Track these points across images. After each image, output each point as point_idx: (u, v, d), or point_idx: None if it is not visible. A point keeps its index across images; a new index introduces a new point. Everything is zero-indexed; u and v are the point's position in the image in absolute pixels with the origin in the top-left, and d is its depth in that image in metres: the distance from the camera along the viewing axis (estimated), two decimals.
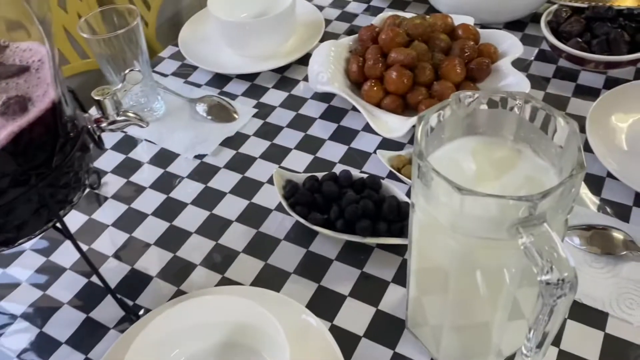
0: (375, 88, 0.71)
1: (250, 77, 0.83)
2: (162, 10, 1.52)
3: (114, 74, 0.72)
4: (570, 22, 0.78)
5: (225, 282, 0.58)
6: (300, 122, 0.75)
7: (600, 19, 0.77)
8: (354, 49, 0.77)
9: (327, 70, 0.72)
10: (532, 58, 0.81)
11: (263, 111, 0.77)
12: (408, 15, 0.80)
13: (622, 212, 0.60)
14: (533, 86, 0.76)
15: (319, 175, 0.63)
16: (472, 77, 0.71)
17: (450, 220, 0.37)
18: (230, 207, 0.65)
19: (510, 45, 0.74)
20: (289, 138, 0.73)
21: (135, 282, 0.58)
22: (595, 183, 0.63)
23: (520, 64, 0.79)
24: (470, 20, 0.78)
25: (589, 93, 0.74)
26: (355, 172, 0.63)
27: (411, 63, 0.69)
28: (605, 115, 0.68)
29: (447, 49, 0.73)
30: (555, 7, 0.83)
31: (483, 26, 0.87)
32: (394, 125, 0.67)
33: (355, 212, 0.57)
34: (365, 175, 0.62)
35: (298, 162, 0.69)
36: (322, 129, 0.74)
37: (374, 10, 0.94)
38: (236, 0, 0.88)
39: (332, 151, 0.70)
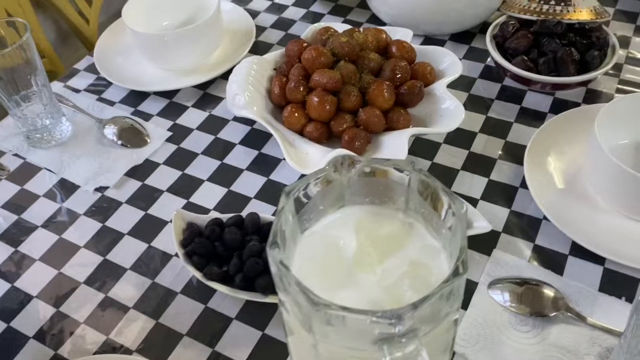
0: (296, 114, 0.64)
1: (169, 93, 0.76)
2: (108, 5, 1.43)
3: (4, 98, 0.64)
4: (517, 37, 0.71)
5: (109, 346, 0.51)
6: (218, 148, 0.68)
7: (549, 34, 0.70)
8: (279, 67, 0.70)
9: (244, 92, 0.65)
10: (477, 76, 0.74)
11: (178, 135, 0.70)
12: (342, 27, 0.73)
13: (557, 262, 0.54)
14: (474, 109, 0.69)
15: (226, 217, 0.56)
16: (403, 102, 0.64)
17: (313, 328, 0.31)
18: (126, 251, 0.58)
19: (449, 64, 0.68)
20: (203, 167, 0.66)
21: (9, 345, 0.52)
22: (531, 226, 0.57)
23: (464, 82, 0.73)
24: (408, 35, 0.71)
25: (534, 117, 0.68)
26: (267, 214, 0.56)
27: (335, 87, 0.62)
28: (545, 147, 0.62)
29: (378, 70, 0.66)
30: (502, 18, 0.76)
31: (428, 37, 0.80)
32: (314, 157, 0.60)
33: (256, 267, 0.50)
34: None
35: (209, 197, 0.62)
36: (240, 157, 0.67)
37: (313, 17, 0.86)
38: (157, 7, 0.81)
39: (249, 184, 0.64)
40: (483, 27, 0.80)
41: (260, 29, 0.85)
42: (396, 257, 0.34)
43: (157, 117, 0.72)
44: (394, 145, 0.60)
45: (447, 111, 0.63)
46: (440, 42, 0.79)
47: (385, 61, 0.66)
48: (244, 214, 0.56)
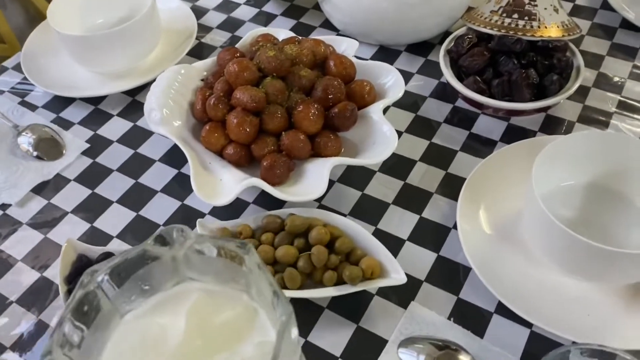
0: (215, 133, 0.58)
1: (96, 99, 0.70)
2: None
3: None
4: (473, 53, 0.64)
5: None
6: (135, 165, 0.62)
7: (507, 52, 0.64)
8: (207, 78, 0.64)
9: (161, 107, 0.59)
10: (429, 94, 0.68)
11: (96, 147, 0.65)
12: (286, 34, 0.67)
13: (479, 321, 0.48)
14: (419, 132, 0.63)
15: (124, 249, 0.51)
16: (333, 125, 0.58)
17: None
18: (15, 282, 0.53)
19: (392, 83, 0.61)
20: (114, 186, 0.60)
21: None
22: (458, 276, 0.51)
23: (412, 101, 0.66)
24: (353, 46, 0.65)
25: (483, 144, 0.61)
26: None
27: (257, 107, 0.56)
28: (485, 183, 0.56)
29: (311, 88, 0.60)
30: (461, 31, 0.69)
31: (383, 47, 0.73)
32: (227, 186, 0.54)
33: None
34: None
35: (115, 221, 0.57)
36: (157, 176, 0.61)
37: (265, 18, 0.80)
38: (88, 4, 0.75)
39: (161, 208, 0.58)
40: (444, 38, 0.74)
41: (205, 30, 0.79)
42: (227, 355, 0.28)
43: (78, 125, 0.67)
44: (316, 174, 0.55)
45: (382, 137, 0.56)
46: (394, 54, 0.73)
47: (318, 78, 0.60)
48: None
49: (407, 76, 0.70)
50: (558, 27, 0.65)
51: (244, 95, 0.57)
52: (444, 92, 0.67)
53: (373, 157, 0.55)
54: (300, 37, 0.65)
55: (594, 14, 0.76)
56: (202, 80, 0.64)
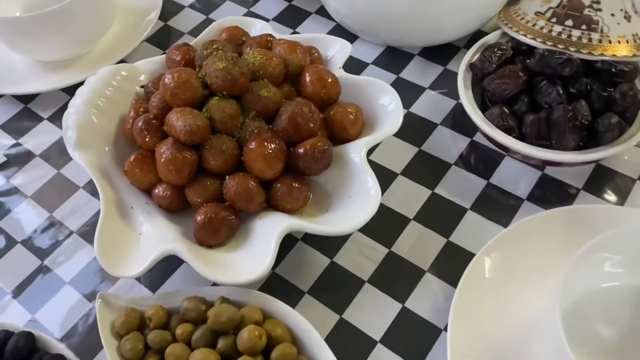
0: (143, 167, 0.44)
1: (28, 97, 0.57)
2: None
3: None
4: (504, 73, 0.47)
5: None
6: (53, 192, 0.49)
7: (551, 75, 0.47)
8: (148, 85, 0.49)
9: (78, 126, 0.45)
10: (441, 120, 0.51)
11: (15, 162, 0.51)
12: (259, 27, 0.52)
13: None
14: (419, 177, 0.47)
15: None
16: (298, 168, 0.43)
17: None
18: None
19: (388, 112, 0.45)
20: (22, 223, 0.47)
21: None
22: None
23: (418, 129, 0.50)
24: (343, 51, 0.49)
25: (504, 203, 0.45)
26: (57, 332, 0.38)
27: (195, 139, 0.42)
28: (497, 272, 0.40)
29: (275, 112, 0.45)
30: (493, 36, 0.52)
31: (390, 48, 0.57)
32: (145, 244, 0.41)
33: None
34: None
35: (6, 279, 0.45)
36: (78, 209, 0.48)
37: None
38: None
39: (74, 260, 0.45)
40: (471, 41, 0.57)
41: (174, 8, 0.64)
42: None
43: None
44: (263, 240, 0.40)
45: (361, 193, 0.41)
46: (404, 58, 0.56)
47: (285, 102, 0.45)
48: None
49: (416, 91, 0.53)
50: (629, 41, 0.47)
51: (178, 122, 0.42)
52: (463, 120, 0.50)
53: (343, 221, 0.40)
54: (274, 36, 0.49)
55: None
56: (141, 87, 0.50)
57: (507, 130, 0.46)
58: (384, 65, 0.56)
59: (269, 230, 0.40)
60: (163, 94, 0.44)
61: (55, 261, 0.45)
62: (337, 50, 0.50)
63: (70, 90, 0.56)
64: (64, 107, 0.55)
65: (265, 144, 0.41)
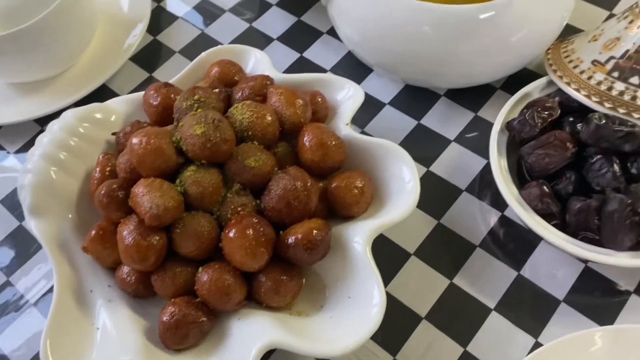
0: (107, 243, 0.37)
1: None
2: None
3: None
4: (548, 141, 0.38)
5: None
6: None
7: (607, 150, 0.38)
8: (120, 134, 0.41)
9: (33, 187, 0.38)
10: (466, 186, 0.43)
11: None
12: (258, 57, 0.43)
13: None
14: (439, 263, 0.39)
15: None
16: (288, 258, 0.36)
17: None
18: None
19: (404, 185, 0.37)
20: None
21: None
22: None
23: (441, 198, 0.42)
24: (354, 100, 0.40)
25: (540, 305, 0.37)
26: None
27: (163, 221, 0.35)
28: None
29: (265, 183, 0.37)
30: (538, 86, 0.42)
31: (409, 86, 0.48)
32: (103, 341, 0.34)
33: None
34: None
35: None
36: (32, 281, 0.42)
37: (254, 8, 0.55)
38: None
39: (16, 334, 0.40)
40: (512, 80, 0.47)
41: (168, 19, 0.55)
42: None
43: None
44: (240, 351, 0.33)
45: (362, 296, 0.34)
46: (428, 99, 0.47)
47: (276, 173, 0.37)
48: None
49: (439, 144, 0.45)
50: None
51: (144, 200, 0.35)
52: (493, 187, 0.41)
53: (337, 335, 0.33)
54: (272, 79, 0.41)
55: None
56: (113, 134, 0.42)
57: (547, 217, 0.37)
58: (404, 106, 0.47)
59: (247, 341, 0.33)
60: (130, 158, 0.36)
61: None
62: (347, 97, 0.42)
63: (43, 120, 0.49)
64: (35, 138, 0.48)
65: (248, 232, 0.34)
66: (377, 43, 0.44)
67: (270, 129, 0.37)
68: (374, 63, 0.47)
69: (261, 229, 0.34)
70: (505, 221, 0.41)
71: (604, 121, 0.37)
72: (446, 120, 0.46)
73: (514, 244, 0.40)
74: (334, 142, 0.38)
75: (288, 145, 0.39)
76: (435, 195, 0.42)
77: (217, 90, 0.40)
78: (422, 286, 0.39)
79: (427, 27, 0.41)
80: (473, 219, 0.41)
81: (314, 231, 0.34)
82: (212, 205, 0.36)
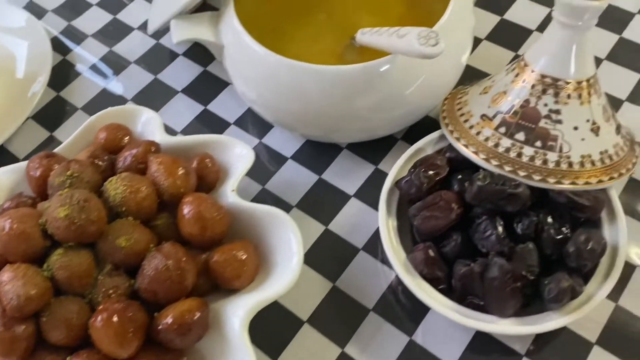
0: None
1: None
2: None
3: None
4: (435, 201, 0.37)
5: None
6: None
7: (491, 211, 0.37)
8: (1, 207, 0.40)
9: None
10: (363, 245, 0.42)
11: None
12: (146, 116, 0.42)
13: None
14: (333, 333, 0.38)
15: None
16: (160, 341, 0.34)
17: None
18: None
19: (289, 253, 0.36)
20: None
21: None
22: None
23: (342, 255, 0.41)
24: (246, 161, 0.39)
25: None
26: None
27: (27, 312, 0.33)
28: None
29: (139, 262, 0.36)
30: (431, 141, 0.42)
31: (310, 140, 0.47)
32: None
33: None
34: None
35: None
36: None
37: (163, 56, 0.54)
38: None
39: None
40: (413, 130, 0.46)
41: (73, 73, 0.54)
42: None
43: None
44: None
45: None
46: (329, 153, 0.46)
47: (150, 251, 0.35)
48: None
49: (340, 199, 0.44)
50: (594, 163, 0.37)
51: (7, 288, 0.33)
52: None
53: None
54: (158, 145, 0.40)
55: None
56: None
57: (433, 281, 0.36)
58: (306, 160, 0.46)
59: None
60: None
61: None
62: (238, 159, 0.41)
63: None
64: None
65: (114, 319, 0.32)
66: (272, 102, 0.43)
67: (146, 203, 0.36)
68: (272, 121, 0.46)
69: (129, 315, 0.33)
70: (399, 283, 0.40)
71: (487, 181, 0.36)
72: (347, 174, 0.45)
73: (406, 307, 0.39)
74: (214, 214, 0.36)
75: (170, 216, 0.38)
76: (333, 255, 0.41)
77: (96, 161, 0.39)
78: (313, 357, 0.38)
79: (319, 88, 0.40)
80: (368, 280, 0.40)
81: (186, 314, 0.33)
82: (83, 288, 0.34)
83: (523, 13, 0.52)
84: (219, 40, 0.43)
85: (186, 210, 0.36)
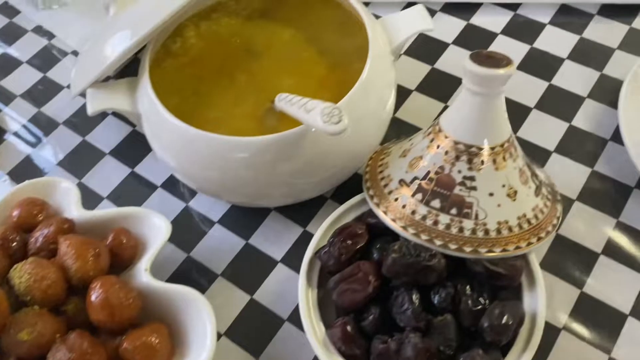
0: None
1: None
2: None
3: None
4: (353, 273, 0.37)
5: None
6: None
7: (408, 285, 0.36)
8: None
9: None
10: (290, 312, 0.41)
11: None
12: (65, 189, 0.41)
13: None
14: None
15: None
16: None
17: None
18: None
19: (201, 340, 0.35)
20: None
21: None
22: None
23: (262, 333, 0.40)
24: (162, 236, 0.38)
25: None
26: None
27: None
28: None
29: (46, 353, 0.34)
30: (354, 203, 0.41)
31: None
32: None
33: None
34: None
35: None
36: None
37: (88, 121, 0.53)
38: None
39: None
40: (342, 189, 0.45)
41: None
42: None
43: None
44: None
45: None
46: (259, 213, 0.45)
47: (60, 337, 0.34)
48: None
49: (266, 267, 0.43)
50: (512, 229, 0.37)
51: None
52: None
53: None
54: (72, 222, 0.39)
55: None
56: None
57: (351, 358, 0.36)
58: (233, 224, 0.45)
59: None
60: None
61: None
62: (154, 231, 0.40)
63: None
64: None
65: None
66: (192, 172, 0.42)
67: (51, 291, 0.35)
68: (195, 188, 0.45)
69: None
70: None
71: (402, 253, 0.36)
72: (275, 238, 0.44)
73: None
74: (123, 300, 0.35)
75: (81, 301, 0.36)
76: (257, 327, 0.40)
77: (6, 243, 0.38)
78: None
79: (238, 159, 0.39)
80: (293, 354, 0.39)
81: None
82: None
83: (453, 61, 0.52)
84: (136, 109, 0.43)
85: (94, 296, 0.35)
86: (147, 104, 0.42)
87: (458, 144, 0.37)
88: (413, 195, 0.38)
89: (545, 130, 0.47)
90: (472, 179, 0.37)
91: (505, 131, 0.37)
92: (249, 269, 0.43)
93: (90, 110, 0.43)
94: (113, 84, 0.44)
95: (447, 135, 0.37)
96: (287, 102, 0.39)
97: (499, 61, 0.35)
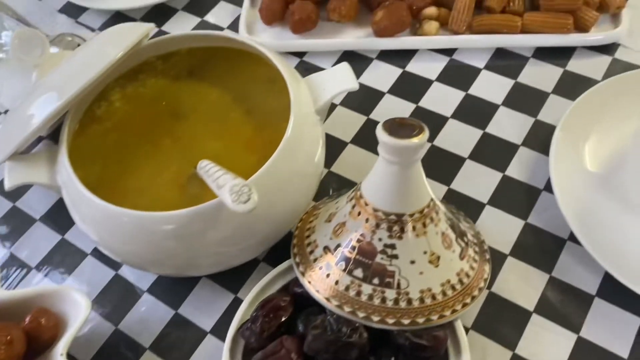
0: None
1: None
2: None
3: None
4: (275, 350, 0.35)
5: None
6: None
7: None
8: None
9: None
10: None
11: None
12: None
13: None
14: None
15: None
16: None
17: None
18: None
19: None
20: None
21: None
22: None
23: None
24: (82, 314, 0.37)
25: None
26: None
27: None
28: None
29: None
30: (280, 271, 0.40)
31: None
32: None
33: None
34: None
35: None
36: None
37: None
38: None
39: None
40: (274, 250, 0.45)
41: None
42: None
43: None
44: None
45: None
46: (189, 281, 0.44)
47: None
48: None
49: (196, 338, 0.41)
50: (435, 297, 0.36)
51: None
52: None
53: None
54: None
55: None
56: None
57: None
58: (163, 293, 0.44)
59: None
60: None
61: None
62: (75, 309, 0.38)
63: None
64: None
65: None
66: (114, 246, 0.41)
67: None
68: (120, 261, 0.44)
69: None
70: None
71: (323, 328, 0.35)
72: (205, 306, 0.43)
73: None
74: None
75: None
76: None
77: None
78: None
79: (159, 233, 0.38)
80: None
81: None
82: None
83: (389, 111, 0.52)
84: (55, 181, 0.41)
85: None
86: (66, 177, 0.41)
87: (377, 211, 0.36)
88: (337, 263, 0.37)
89: (478, 181, 0.47)
90: (392, 247, 0.36)
91: (424, 197, 0.37)
92: (178, 341, 0.42)
93: (8, 185, 0.41)
94: (32, 156, 0.43)
95: (367, 202, 0.37)
96: (205, 173, 0.38)
97: (412, 129, 0.35)
